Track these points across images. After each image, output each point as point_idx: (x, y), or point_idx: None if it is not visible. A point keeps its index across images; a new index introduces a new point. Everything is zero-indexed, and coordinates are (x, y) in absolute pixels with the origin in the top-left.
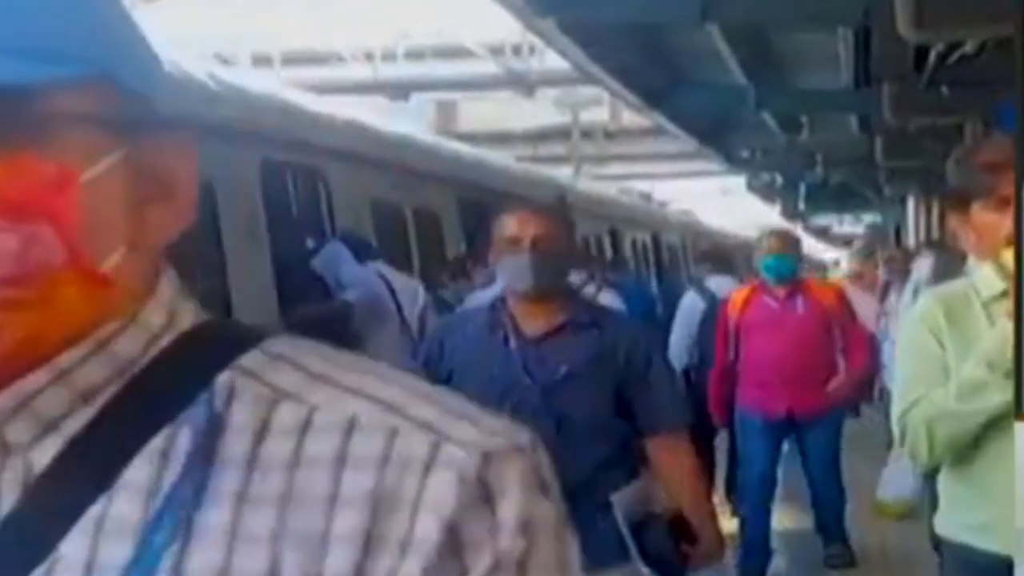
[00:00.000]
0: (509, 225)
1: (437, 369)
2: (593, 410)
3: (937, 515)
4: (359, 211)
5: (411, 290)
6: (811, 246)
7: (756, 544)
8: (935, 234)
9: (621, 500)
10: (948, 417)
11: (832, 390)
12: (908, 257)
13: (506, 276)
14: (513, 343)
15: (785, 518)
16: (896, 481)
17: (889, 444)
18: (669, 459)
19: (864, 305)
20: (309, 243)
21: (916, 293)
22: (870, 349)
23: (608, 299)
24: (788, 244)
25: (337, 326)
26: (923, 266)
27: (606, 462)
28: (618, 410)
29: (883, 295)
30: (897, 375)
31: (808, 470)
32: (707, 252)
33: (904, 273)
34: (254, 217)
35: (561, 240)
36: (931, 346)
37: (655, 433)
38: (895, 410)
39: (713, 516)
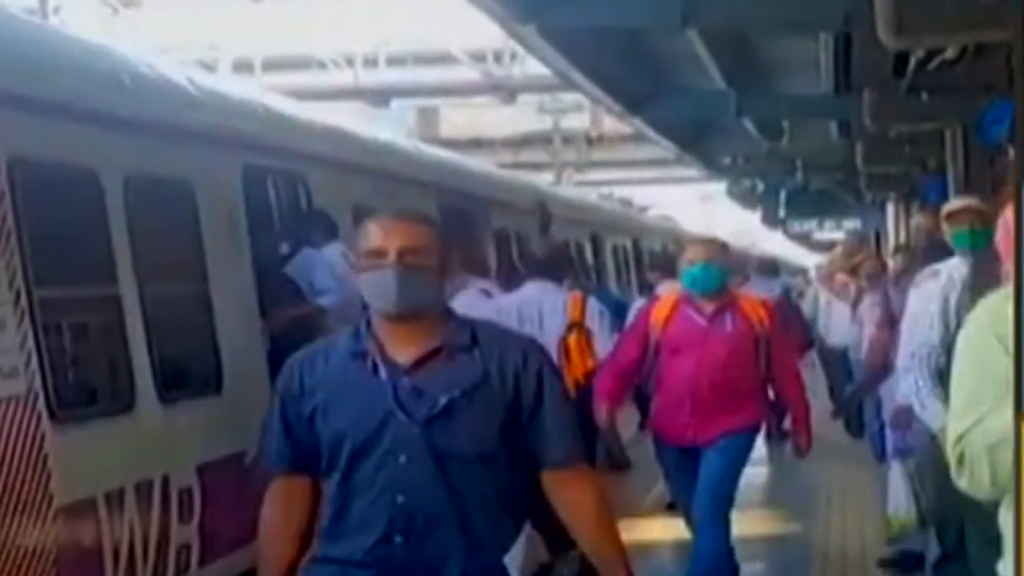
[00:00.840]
0: (372, 235)
1: (298, 408)
2: (479, 445)
3: (1002, 561)
4: (340, 216)
5: None
6: (792, 252)
7: (705, 558)
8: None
9: (515, 560)
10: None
11: (802, 444)
12: (883, 264)
13: (368, 294)
14: (383, 373)
15: (762, 523)
16: (893, 501)
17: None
18: (569, 496)
19: (837, 313)
20: (284, 249)
21: (947, 297)
22: (799, 377)
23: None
24: (713, 252)
25: (311, 329)
26: (959, 267)
27: (497, 503)
28: (509, 442)
29: (856, 303)
30: (955, 389)
31: (696, 498)
32: (658, 258)
33: (877, 280)
34: (235, 221)
35: (432, 251)
36: (997, 355)
37: (551, 468)
38: (952, 431)
39: (620, 555)
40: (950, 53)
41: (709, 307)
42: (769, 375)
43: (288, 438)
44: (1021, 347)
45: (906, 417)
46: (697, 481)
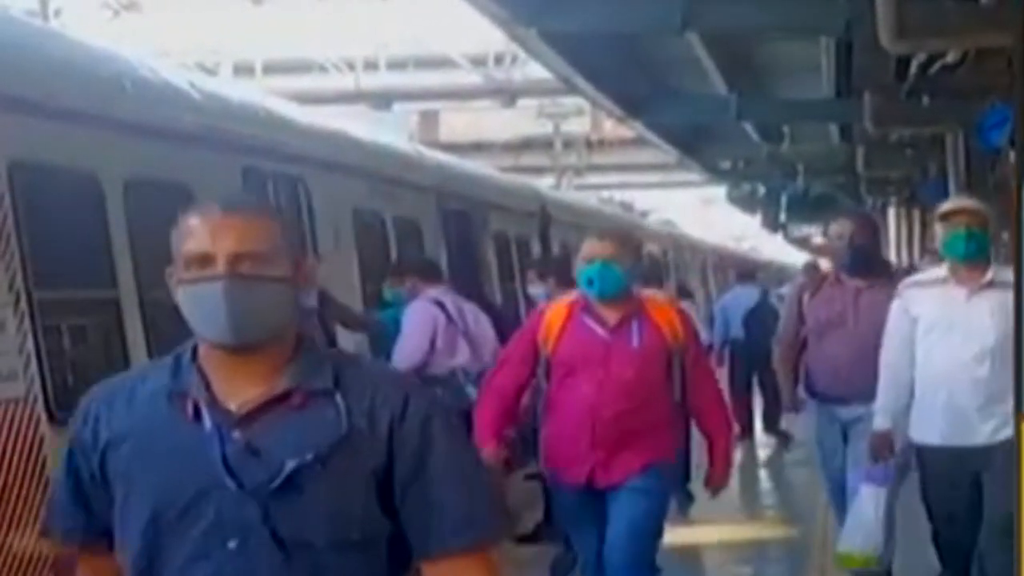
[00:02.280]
0: (195, 235)
1: (90, 464)
2: (340, 530)
3: None
4: (340, 219)
5: None
6: (792, 256)
7: None
8: (916, 243)
9: None
10: None
11: (716, 481)
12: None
13: (190, 316)
14: (208, 423)
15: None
16: (861, 531)
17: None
18: None
19: None
20: None
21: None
22: (722, 401)
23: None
24: (615, 248)
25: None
26: (933, 281)
27: None
28: (384, 524)
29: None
30: None
31: (605, 559)
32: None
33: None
34: None
35: (278, 256)
36: None
37: (434, 557)
38: None
39: None
40: (951, 57)
41: (612, 316)
42: (685, 398)
43: (79, 504)
44: (1021, 347)
45: (885, 443)
46: (605, 537)
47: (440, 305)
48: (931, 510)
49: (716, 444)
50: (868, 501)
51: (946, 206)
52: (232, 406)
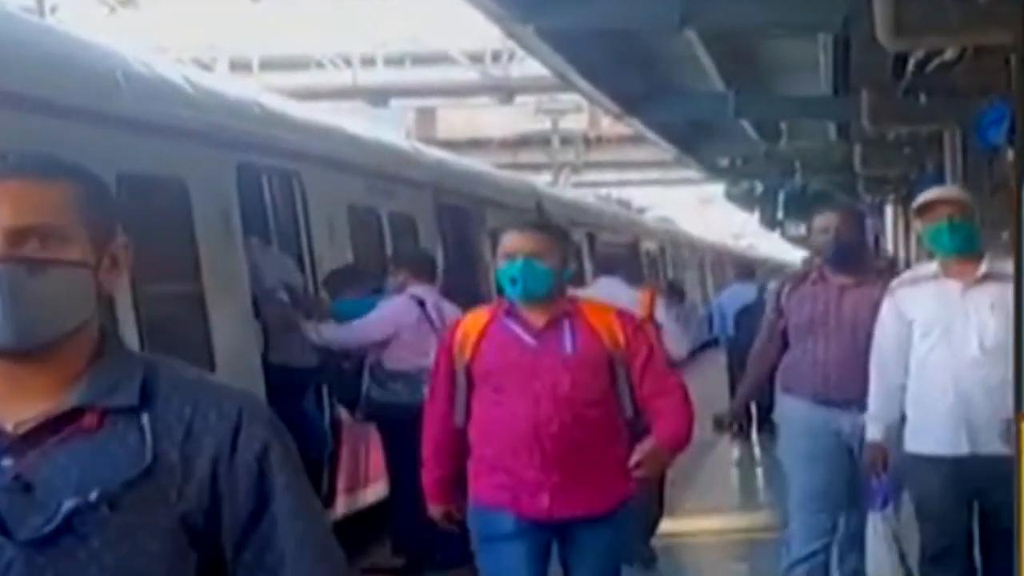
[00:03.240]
0: None
1: None
2: None
3: None
4: (335, 215)
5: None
6: (789, 253)
7: None
8: (913, 242)
9: None
10: None
11: (630, 477)
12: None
13: None
14: None
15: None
16: (879, 558)
17: None
18: None
19: None
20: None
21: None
22: (686, 409)
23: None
24: (540, 242)
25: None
26: (925, 277)
27: None
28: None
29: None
30: None
31: None
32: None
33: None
34: (229, 220)
35: (74, 233)
36: None
37: None
38: None
39: None
40: (949, 55)
41: (539, 320)
42: (638, 414)
43: None
44: (1021, 347)
45: (879, 455)
46: None
47: (420, 304)
48: (924, 526)
49: (658, 436)
50: (874, 530)
51: (923, 198)
52: (8, 426)
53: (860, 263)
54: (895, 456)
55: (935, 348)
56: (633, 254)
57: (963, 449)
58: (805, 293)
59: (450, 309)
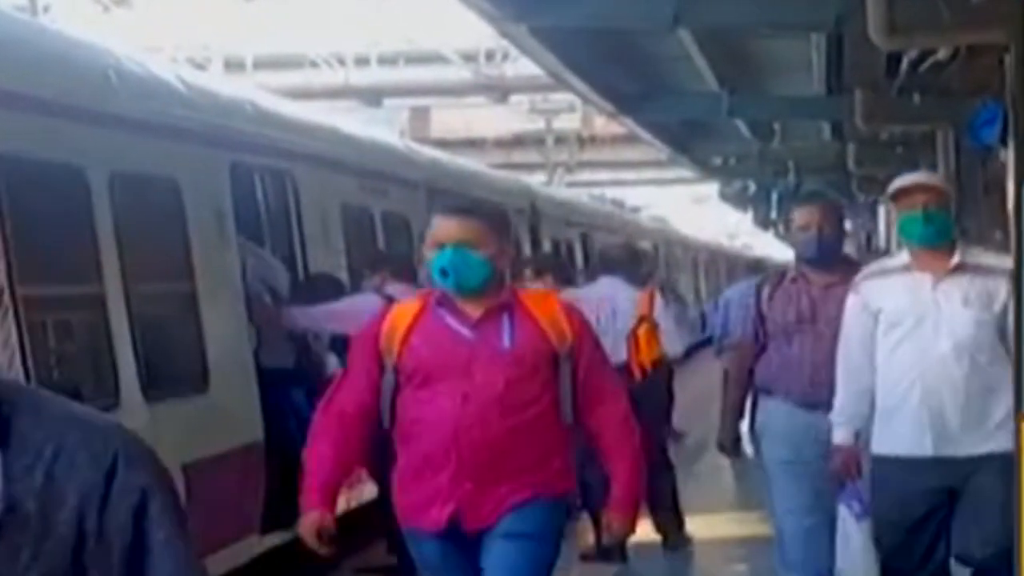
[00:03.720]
0: None
1: None
2: None
3: None
4: (328, 214)
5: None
6: (784, 253)
7: None
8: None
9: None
10: None
11: (615, 528)
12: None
13: None
14: None
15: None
16: (855, 558)
17: None
18: None
19: None
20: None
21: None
22: (628, 423)
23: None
24: (472, 229)
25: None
26: (893, 270)
27: None
28: None
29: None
30: None
31: None
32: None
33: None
34: (222, 219)
35: None
36: None
37: None
38: None
39: None
40: (942, 54)
41: (475, 311)
42: (579, 416)
43: None
44: (1021, 347)
45: (851, 459)
46: None
47: (390, 301)
48: (886, 532)
49: (616, 474)
50: (849, 526)
51: (900, 183)
52: None
53: (841, 259)
54: (868, 460)
55: (902, 342)
56: (633, 256)
57: (927, 451)
58: (788, 293)
59: (581, 291)
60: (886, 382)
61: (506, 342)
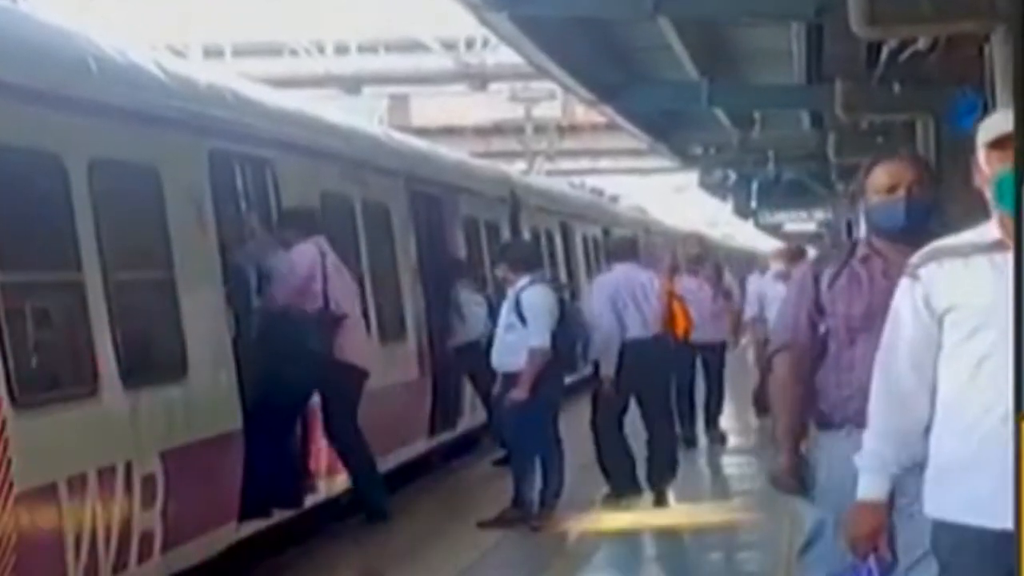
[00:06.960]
0: None
1: None
2: None
3: None
4: (308, 202)
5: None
6: (764, 242)
7: None
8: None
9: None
10: None
11: None
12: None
13: None
14: None
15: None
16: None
17: None
18: None
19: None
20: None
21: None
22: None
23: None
24: None
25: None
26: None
27: None
28: None
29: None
30: None
31: None
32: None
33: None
34: (201, 206)
35: None
36: None
37: None
38: None
39: None
40: (922, 44)
41: None
42: None
43: None
44: (1021, 347)
45: (878, 523)
46: None
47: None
48: None
49: None
50: None
51: (995, 128)
52: None
53: (932, 235)
54: (906, 526)
55: (988, 357)
56: (634, 247)
57: (1009, 521)
58: (855, 276)
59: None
60: (958, 416)
61: None
